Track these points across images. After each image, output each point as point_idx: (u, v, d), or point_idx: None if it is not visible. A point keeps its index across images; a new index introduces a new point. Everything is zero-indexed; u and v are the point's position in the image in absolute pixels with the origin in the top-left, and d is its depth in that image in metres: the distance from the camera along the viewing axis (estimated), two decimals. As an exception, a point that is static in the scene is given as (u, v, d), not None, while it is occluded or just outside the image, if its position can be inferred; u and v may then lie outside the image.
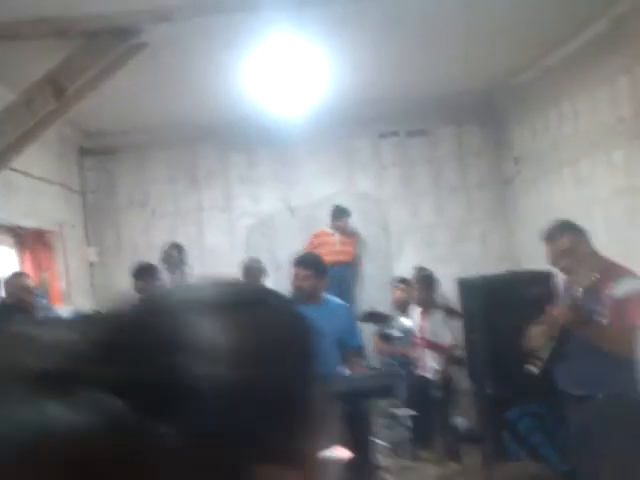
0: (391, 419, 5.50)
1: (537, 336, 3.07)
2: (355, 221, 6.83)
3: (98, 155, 6.69)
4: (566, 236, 3.05)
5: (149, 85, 5.27)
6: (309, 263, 3.75)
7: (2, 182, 4.62)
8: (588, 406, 2.93)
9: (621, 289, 2.83)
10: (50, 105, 3.60)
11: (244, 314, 0.50)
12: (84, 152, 6.62)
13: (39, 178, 5.30)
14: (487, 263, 6.24)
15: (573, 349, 2.97)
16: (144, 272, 4.61)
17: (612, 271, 2.95)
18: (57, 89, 3.53)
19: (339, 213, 6.57)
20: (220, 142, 6.77)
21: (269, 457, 0.46)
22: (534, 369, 3.06)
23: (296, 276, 3.73)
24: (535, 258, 3.44)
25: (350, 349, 3.87)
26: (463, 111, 6.86)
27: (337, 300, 4.00)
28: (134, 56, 4.00)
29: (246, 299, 0.53)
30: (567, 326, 2.98)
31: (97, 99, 5.37)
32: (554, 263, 3.15)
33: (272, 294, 0.57)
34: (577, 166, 5.30)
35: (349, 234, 6.71)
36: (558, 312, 3.03)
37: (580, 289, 2.84)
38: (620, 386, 2.88)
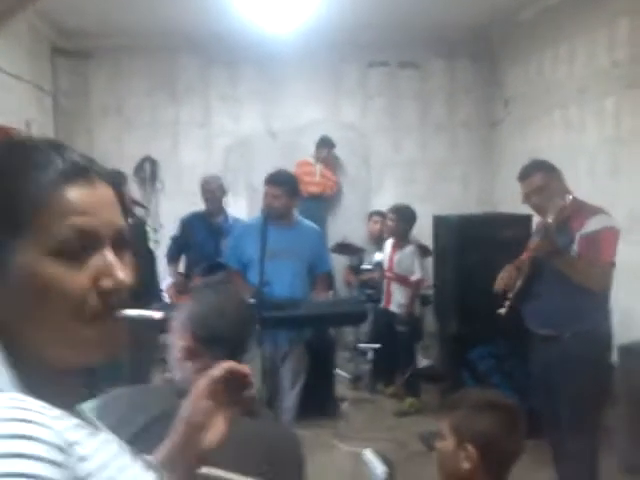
0: (354, 351, 5.52)
1: (506, 275, 3.02)
2: (337, 151, 6.65)
3: (73, 56, 6.35)
4: (538, 174, 3.01)
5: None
6: (282, 181, 3.60)
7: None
8: (553, 344, 2.91)
9: (592, 225, 2.83)
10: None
11: None
12: (58, 52, 6.25)
13: (7, 73, 5.00)
14: (467, 205, 6.14)
15: (543, 288, 2.93)
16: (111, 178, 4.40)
17: (583, 209, 2.93)
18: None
19: (323, 144, 6.40)
20: (202, 55, 6.46)
21: None
22: (502, 310, 3.02)
23: (267, 194, 3.59)
24: (516, 203, 3.36)
25: (319, 274, 3.81)
26: (457, 46, 6.62)
27: (309, 223, 3.89)
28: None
29: None
30: (538, 259, 2.93)
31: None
32: (526, 200, 3.10)
33: None
34: (567, 111, 5.16)
35: (331, 166, 6.56)
36: (531, 245, 2.99)
37: (551, 218, 2.81)
38: (588, 323, 2.86)
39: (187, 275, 4.70)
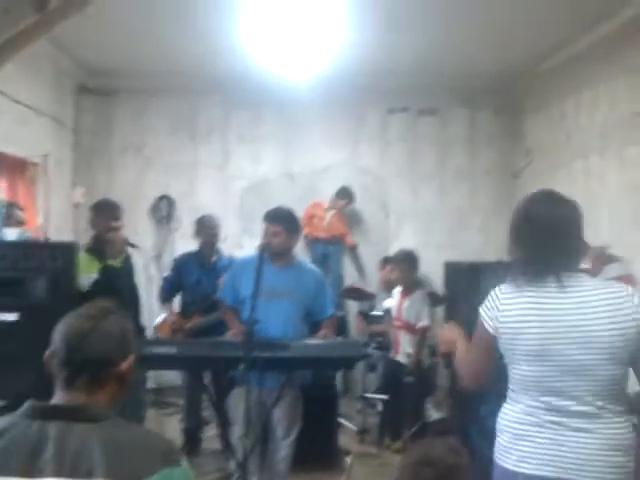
0: (363, 402, 5.29)
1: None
2: (356, 197, 6.58)
3: (97, 95, 6.47)
4: None
5: (155, 28, 5.05)
6: (280, 218, 3.48)
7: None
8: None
9: (610, 272, 2.76)
10: (29, 18, 3.36)
11: None
12: (83, 90, 6.39)
13: (27, 106, 5.09)
14: (486, 254, 5.94)
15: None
16: (105, 209, 4.01)
17: (602, 257, 2.84)
18: (39, 0, 3.29)
19: (341, 194, 6.38)
20: (223, 97, 6.53)
21: None
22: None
23: (266, 232, 3.47)
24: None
25: (321, 319, 3.60)
26: (479, 94, 6.57)
27: (310, 265, 3.76)
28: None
29: None
30: None
31: (100, 36, 5.18)
32: None
33: None
34: (588, 161, 5.01)
35: (344, 218, 6.48)
36: None
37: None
38: None
39: (183, 314, 4.59)
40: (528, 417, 1.85)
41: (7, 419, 1.32)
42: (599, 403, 1.79)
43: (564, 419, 1.80)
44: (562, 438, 1.79)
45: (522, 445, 1.85)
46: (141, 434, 1.37)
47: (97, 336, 1.39)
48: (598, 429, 1.79)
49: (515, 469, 1.84)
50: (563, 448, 1.79)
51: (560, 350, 1.79)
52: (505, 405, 1.96)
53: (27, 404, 1.34)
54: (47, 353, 1.41)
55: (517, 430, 1.87)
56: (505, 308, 1.89)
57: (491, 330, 1.92)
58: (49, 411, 1.32)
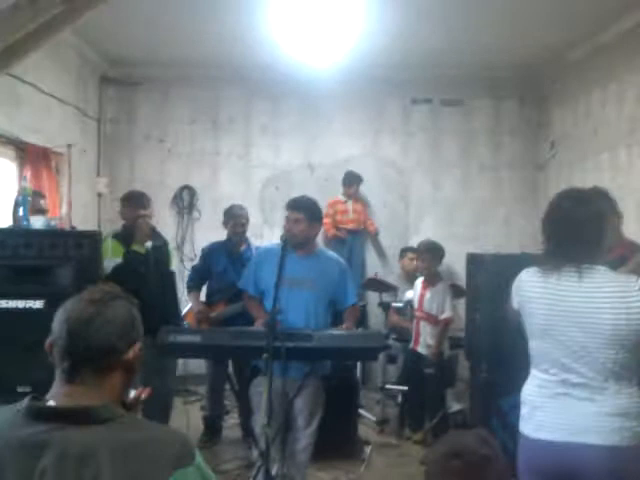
0: (383, 393, 5.28)
1: None
2: (376, 188, 6.56)
3: (120, 85, 6.50)
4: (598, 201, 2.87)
5: (177, 18, 5.05)
6: (302, 206, 3.45)
7: (10, 94, 4.46)
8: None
9: None
10: (56, 7, 3.38)
11: None
12: (106, 80, 6.42)
13: (53, 96, 5.13)
14: (510, 247, 5.89)
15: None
16: (133, 199, 4.16)
17: (633, 245, 3.02)
18: (65, -9, 3.30)
19: (350, 179, 6.31)
20: (245, 87, 6.52)
21: None
22: None
23: (288, 219, 3.46)
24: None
25: (344, 308, 3.59)
26: (503, 85, 6.49)
27: (332, 254, 3.74)
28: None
29: None
30: None
31: (123, 25, 5.20)
32: None
33: None
34: (615, 153, 4.93)
35: (360, 200, 6.46)
36: None
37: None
38: None
39: (208, 304, 4.62)
40: (542, 389, 2.12)
41: (2, 418, 1.22)
42: (602, 379, 2.01)
43: (571, 390, 2.05)
44: (570, 407, 2.04)
45: (538, 414, 2.12)
46: (151, 434, 1.24)
47: (101, 322, 1.28)
48: (603, 399, 2.00)
49: (533, 435, 2.11)
50: (571, 416, 2.03)
51: (562, 330, 2.04)
52: (527, 379, 2.22)
53: (25, 403, 1.23)
54: (47, 341, 1.30)
55: (534, 401, 2.15)
56: (525, 287, 2.16)
57: (515, 305, 2.22)
58: (49, 412, 1.21)
